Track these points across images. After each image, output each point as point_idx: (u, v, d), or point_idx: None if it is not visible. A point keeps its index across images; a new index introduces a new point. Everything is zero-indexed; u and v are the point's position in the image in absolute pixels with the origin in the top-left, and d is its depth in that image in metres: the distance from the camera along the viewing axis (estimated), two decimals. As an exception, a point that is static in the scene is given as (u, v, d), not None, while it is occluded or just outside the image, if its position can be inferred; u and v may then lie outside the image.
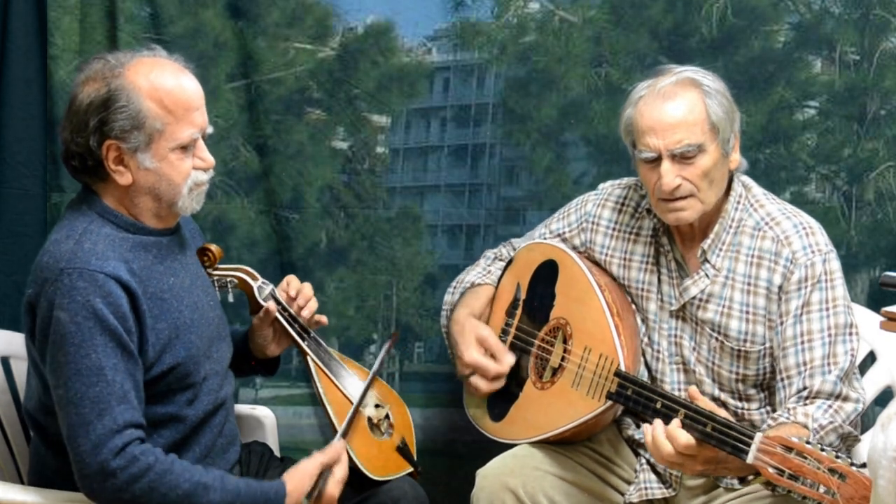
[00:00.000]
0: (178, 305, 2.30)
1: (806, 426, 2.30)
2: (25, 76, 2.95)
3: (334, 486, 2.34)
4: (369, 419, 2.56)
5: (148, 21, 3.00)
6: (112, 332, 2.16)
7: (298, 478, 2.31)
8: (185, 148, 2.25)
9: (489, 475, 2.53)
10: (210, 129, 2.31)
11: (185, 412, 2.31)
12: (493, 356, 2.65)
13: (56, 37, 2.94)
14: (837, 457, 2.09)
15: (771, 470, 2.13)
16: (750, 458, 2.17)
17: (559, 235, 2.76)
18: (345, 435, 2.43)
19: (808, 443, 2.12)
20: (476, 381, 2.65)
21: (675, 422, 2.25)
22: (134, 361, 2.20)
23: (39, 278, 2.21)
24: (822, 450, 2.10)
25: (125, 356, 2.18)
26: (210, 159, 2.30)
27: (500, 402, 2.69)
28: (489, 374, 2.64)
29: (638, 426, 2.63)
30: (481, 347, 2.65)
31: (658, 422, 2.27)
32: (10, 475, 2.54)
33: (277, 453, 2.68)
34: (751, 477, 2.21)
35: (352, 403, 2.53)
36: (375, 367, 2.62)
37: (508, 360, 2.64)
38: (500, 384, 2.65)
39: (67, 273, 2.17)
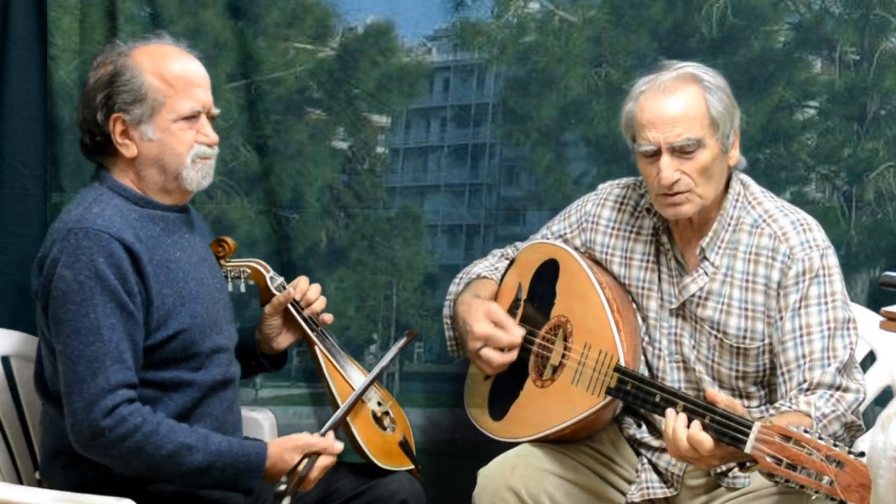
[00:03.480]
0: (183, 276, 2.37)
1: (808, 414, 2.30)
2: (25, 76, 2.94)
3: (315, 472, 2.34)
4: (373, 413, 2.60)
5: (148, 21, 2.99)
6: (112, 291, 2.23)
7: (283, 449, 2.34)
8: (186, 119, 2.35)
9: (491, 475, 2.53)
10: (217, 111, 2.42)
11: (192, 378, 2.36)
12: (502, 329, 2.64)
13: (56, 37, 2.93)
14: (835, 445, 2.10)
15: (769, 459, 2.13)
16: (748, 448, 2.17)
17: (561, 236, 2.76)
18: (335, 428, 2.45)
19: (806, 431, 2.12)
20: (488, 353, 2.63)
21: (697, 424, 2.24)
22: (134, 322, 2.26)
23: (49, 240, 2.31)
24: (820, 438, 2.10)
25: (124, 316, 2.24)
26: (213, 136, 2.39)
27: (501, 401, 2.69)
28: (501, 343, 2.62)
29: (640, 425, 2.63)
30: (490, 321, 2.65)
31: (680, 421, 2.25)
32: (9, 475, 2.54)
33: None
34: (749, 463, 2.21)
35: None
36: (387, 359, 2.66)
37: (518, 330, 2.64)
38: (512, 356, 2.63)
39: (74, 233, 2.25)
